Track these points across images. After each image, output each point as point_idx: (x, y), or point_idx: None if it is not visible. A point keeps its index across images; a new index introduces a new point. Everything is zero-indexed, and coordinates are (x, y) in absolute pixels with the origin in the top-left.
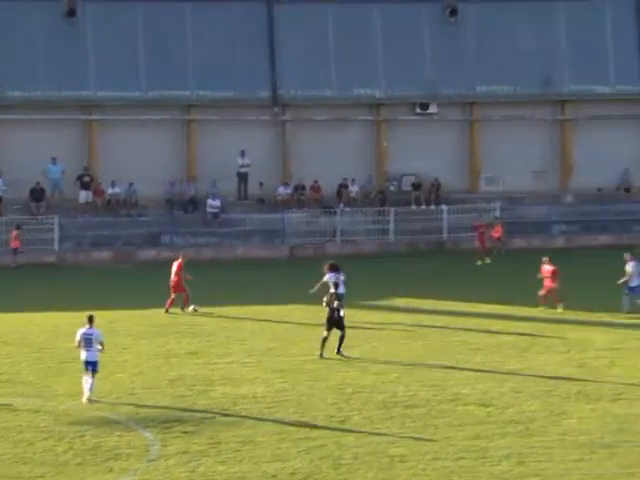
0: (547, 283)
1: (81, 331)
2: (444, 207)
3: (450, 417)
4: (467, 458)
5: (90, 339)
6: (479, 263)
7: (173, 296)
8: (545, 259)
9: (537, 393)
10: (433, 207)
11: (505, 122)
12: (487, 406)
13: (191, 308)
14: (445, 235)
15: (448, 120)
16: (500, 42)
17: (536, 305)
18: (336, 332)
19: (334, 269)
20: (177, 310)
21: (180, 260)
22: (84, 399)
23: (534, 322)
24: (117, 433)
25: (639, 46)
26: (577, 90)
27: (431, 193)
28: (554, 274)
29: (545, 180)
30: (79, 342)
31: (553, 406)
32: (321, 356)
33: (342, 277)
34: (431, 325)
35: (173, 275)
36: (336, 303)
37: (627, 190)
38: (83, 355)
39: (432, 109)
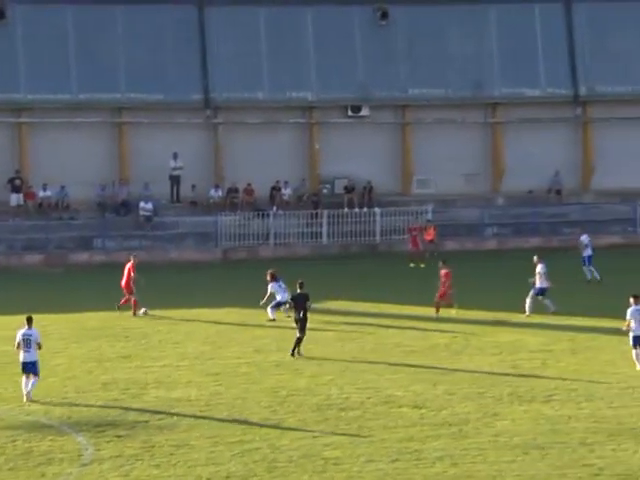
0: (442, 287)
1: (20, 332)
2: (377, 210)
3: (384, 419)
4: (401, 460)
5: (29, 340)
6: (412, 265)
7: (127, 296)
8: (441, 263)
9: (470, 395)
10: (366, 210)
11: (437, 125)
12: (421, 408)
13: (142, 311)
14: (378, 238)
15: (380, 123)
16: (431, 45)
17: (451, 306)
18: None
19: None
20: (115, 313)
21: (132, 262)
22: (25, 399)
23: (467, 324)
24: (50, 437)
25: (569, 49)
26: (508, 93)
27: (364, 196)
28: (447, 277)
29: (477, 183)
30: (18, 343)
31: (486, 408)
32: (292, 355)
33: (283, 285)
34: (364, 327)
35: (125, 277)
36: (308, 304)
37: (558, 192)
38: (21, 356)
39: (364, 112)
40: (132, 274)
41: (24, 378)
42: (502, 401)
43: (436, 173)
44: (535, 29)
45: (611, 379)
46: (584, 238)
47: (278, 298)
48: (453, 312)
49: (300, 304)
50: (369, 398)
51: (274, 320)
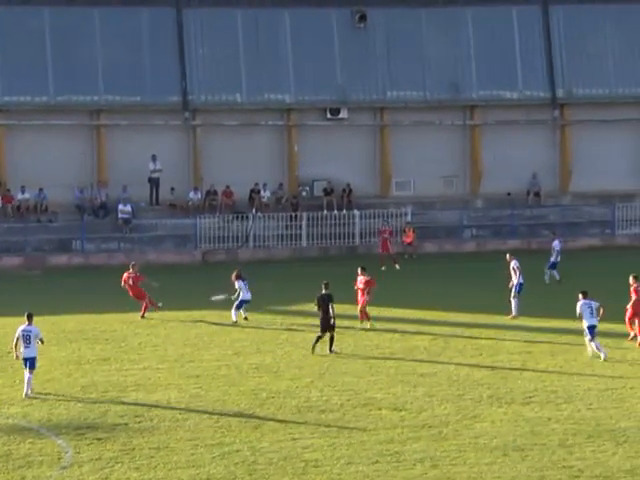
0: (360, 296)
1: (20, 328)
2: (356, 212)
3: (364, 421)
4: (381, 462)
5: (29, 336)
6: (383, 269)
7: (144, 302)
8: (359, 269)
9: (450, 397)
10: (345, 212)
11: (415, 127)
12: (400, 410)
13: (159, 304)
14: (357, 240)
15: (358, 125)
16: (409, 48)
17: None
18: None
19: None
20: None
21: (131, 271)
22: (24, 394)
23: (446, 326)
24: (29, 440)
25: (546, 52)
26: (486, 95)
27: (343, 198)
28: (368, 285)
29: (455, 185)
30: (17, 339)
31: (466, 409)
32: (313, 351)
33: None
34: (343, 330)
35: (130, 290)
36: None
37: (536, 194)
38: (22, 352)
39: (342, 114)
40: (140, 280)
41: (26, 373)
42: (482, 403)
43: (415, 175)
44: (512, 32)
45: (590, 381)
46: (556, 244)
47: (241, 297)
48: (368, 325)
49: (324, 304)
50: (349, 400)
51: (236, 322)
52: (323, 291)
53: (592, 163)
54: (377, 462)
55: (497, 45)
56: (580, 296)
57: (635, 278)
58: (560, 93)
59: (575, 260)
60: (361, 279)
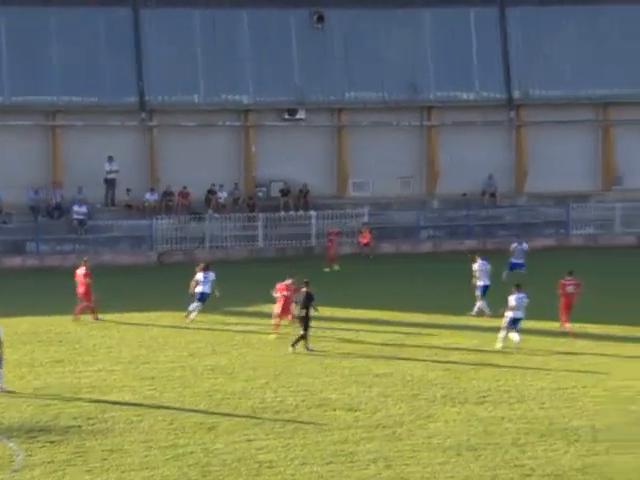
0: (280, 302)
1: None
2: (313, 213)
3: (318, 422)
4: (335, 462)
5: None
6: (327, 270)
7: (85, 303)
8: (288, 277)
9: (404, 397)
10: (302, 213)
11: (372, 128)
12: (355, 410)
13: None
14: (314, 240)
15: (316, 126)
16: (367, 49)
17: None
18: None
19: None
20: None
21: (84, 267)
22: None
23: (402, 326)
24: None
25: (503, 53)
26: (443, 96)
27: (300, 199)
28: (289, 290)
29: (412, 185)
30: None
31: (420, 409)
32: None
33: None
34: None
35: (81, 284)
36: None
37: (492, 195)
38: None
39: (300, 115)
40: (88, 279)
41: None
42: (436, 403)
43: (372, 176)
44: (470, 33)
45: (543, 380)
46: (515, 246)
47: (198, 289)
48: (272, 337)
49: (304, 303)
50: (304, 401)
51: (192, 320)
52: (304, 289)
53: (548, 164)
54: (331, 462)
55: (454, 46)
56: (514, 289)
57: (570, 274)
58: (516, 94)
59: (530, 260)
60: (281, 286)
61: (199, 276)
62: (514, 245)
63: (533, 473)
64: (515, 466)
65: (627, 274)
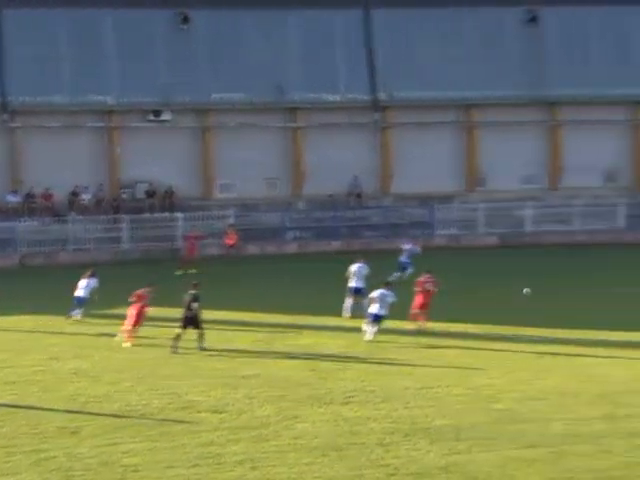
0: (132, 310)
1: None
2: (178, 214)
3: (184, 425)
4: (201, 465)
5: None
6: (178, 273)
7: None
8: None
9: (270, 398)
10: (167, 214)
11: (239, 129)
12: (221, 412)
13: None
14: (180, 242)
15: (182, 127)
16: (233, 50)
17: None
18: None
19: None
20: None
21: None
22: None
23: (268, 327)
24: None
25: (368, 55)
26: (308, 98)
27: (165, 200)
28: (140, 299)
29: (278, 186)
30: None
31: (286, 410)
32: (175, 350)
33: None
34: (166, 332)
35: None
36: (194, 304)
37: (358, 196)
38: None
39: (165, 116)
40: None
41: None
42: (302, 403)
43: (238, 177)
44: (335, 35)
45: (407, 380)
46: (408, 246)
47: (77, 293)
48: (127, 345)
49: (186, 302)
50: (170, 404)
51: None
52: (191, 291)
53: (413, 165)
54: (197, 465)
55: (320, 48)
56: (383, 286)
57: (428, 272)
58: (382, 96)
59: (395, 261)
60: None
61: (82, 282)
62: (405, 246)
63: (397, 472)
64: (380, 466)
65: (488, 274)
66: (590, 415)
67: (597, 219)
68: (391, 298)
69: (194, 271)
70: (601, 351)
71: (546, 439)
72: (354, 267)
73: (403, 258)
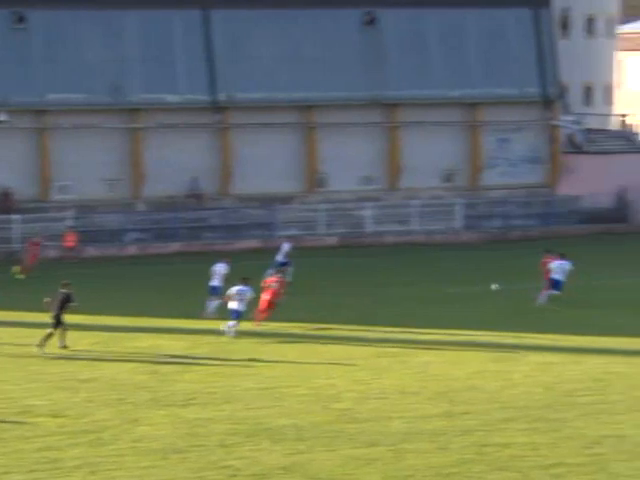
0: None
1: None
2: (16, 217)
3: (21, 430)
4: (38, 471)
5: None
6: (20, 276)
7: None
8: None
9: (110, 401)
10: (4, 216)
11: (77, 130)
12: (59, 417)
13: None
14: (17, 245)
15: (18, 128)
16: (70, 49)
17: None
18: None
19: None
20: None
21: None
22: None
23: (106, 330)
24: None
25: (207, 56)
26: (148, 99)
27: (2, 202)
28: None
29: (118, 188)
30: None
31: (126, 414)
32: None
33: None
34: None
35: None
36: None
37: (198, 197)
38: None
39: (2, 117)
40: None
41: None
42: (142, 406)
43: (77, 179)
44: (174, 35)
45: (249, 381)
46: (285, 245)
47: None
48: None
49: (61, 303)
50: (6, 409)
51: None
52: (61, 290)
53: (253, 166)
54: (35, 470)
55: (159, 48)
56: (240, 281)
57: (277, 272)
58: (222, 97)
59: (236, 261)
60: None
61: None
62: (285, 245)
63: (239, 473)
64: (221, 467)
65: (328, 274)
66: (429, 413)
67: (435, 219)
68: (249, 294)
69: (22, 277)
70: (439, 350)
71: (386, 437)
72: (216, 266)
73: (280, 257)
